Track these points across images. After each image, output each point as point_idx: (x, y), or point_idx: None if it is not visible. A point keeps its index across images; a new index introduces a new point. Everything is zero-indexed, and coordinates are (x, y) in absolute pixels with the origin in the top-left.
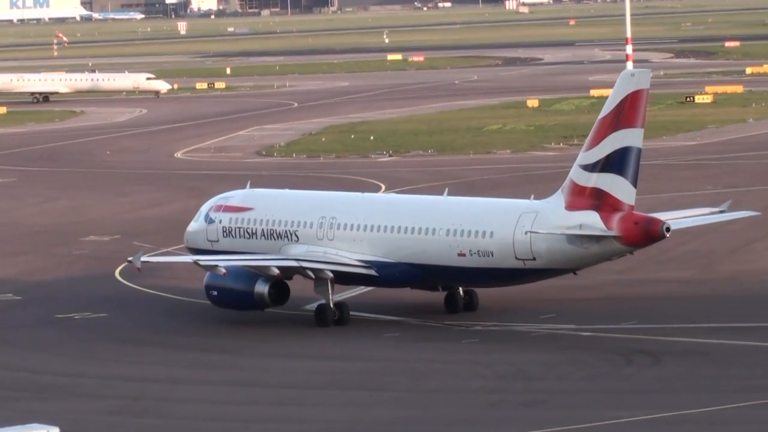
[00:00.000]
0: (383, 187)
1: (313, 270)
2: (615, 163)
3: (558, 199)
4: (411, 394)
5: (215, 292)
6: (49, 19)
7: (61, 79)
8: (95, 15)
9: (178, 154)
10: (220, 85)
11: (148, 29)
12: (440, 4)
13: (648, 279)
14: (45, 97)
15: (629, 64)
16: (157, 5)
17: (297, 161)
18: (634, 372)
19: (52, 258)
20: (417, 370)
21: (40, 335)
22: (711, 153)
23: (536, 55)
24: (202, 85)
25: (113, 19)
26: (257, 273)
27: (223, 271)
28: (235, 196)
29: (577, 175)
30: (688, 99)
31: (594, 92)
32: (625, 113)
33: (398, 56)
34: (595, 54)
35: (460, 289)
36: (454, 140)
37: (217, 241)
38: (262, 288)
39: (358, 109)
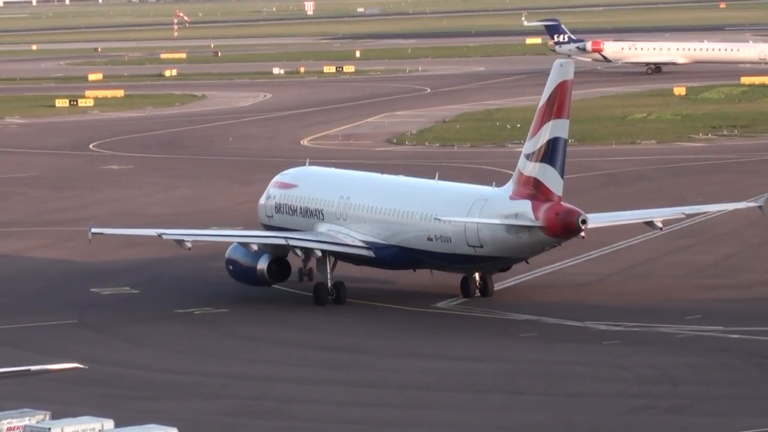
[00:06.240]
0: None
1: (302, 249)
2: (548, 153)
3: (508, 188)
4: (549, 398)
5: (231, 267)
6: None
7: (678, 49)
8: None
9: (305, 142)
10: (349, 68)
11: (274, 9)
12: None
13: None
14: (657, 68)
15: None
16: None
17: (429, 150)
18: None
19: (171, 250)
20: (555, 373)
21: (158, 331)
22: None
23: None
24: (330, 69)
25: None
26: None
27: (189, 245)
28: (288, 173)
29: (522, 164)
30: None
31: (745, 80)
32: (556, 104)
33: (537, 40)
34: (747, 39)
35: (476, 273)
36: (595, 129)
37: (272, 216)
38: (263, 264)
39: (494, 96)
